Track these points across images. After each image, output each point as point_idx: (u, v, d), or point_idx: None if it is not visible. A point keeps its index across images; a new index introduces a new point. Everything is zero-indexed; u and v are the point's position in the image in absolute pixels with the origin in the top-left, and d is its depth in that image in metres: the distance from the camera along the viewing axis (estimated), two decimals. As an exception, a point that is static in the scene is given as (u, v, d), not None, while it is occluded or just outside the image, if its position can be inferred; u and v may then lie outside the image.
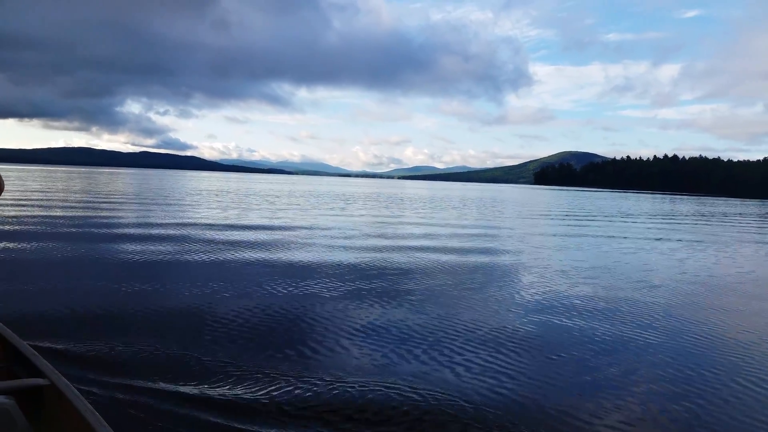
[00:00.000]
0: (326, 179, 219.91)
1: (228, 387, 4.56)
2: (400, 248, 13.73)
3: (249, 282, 8.74)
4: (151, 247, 11.95)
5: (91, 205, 24.00)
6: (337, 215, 24.45)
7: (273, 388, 4.57)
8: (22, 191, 31.32)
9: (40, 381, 3.14)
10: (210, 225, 17.41)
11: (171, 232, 15.05)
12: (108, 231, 14.70)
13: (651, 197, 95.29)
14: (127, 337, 5.65)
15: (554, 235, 19.31)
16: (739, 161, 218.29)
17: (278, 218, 21.26)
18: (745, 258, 15.28)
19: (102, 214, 19.44)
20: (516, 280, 10.07)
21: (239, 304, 7.21)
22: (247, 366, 5.05)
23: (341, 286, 8.75)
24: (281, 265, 10.46)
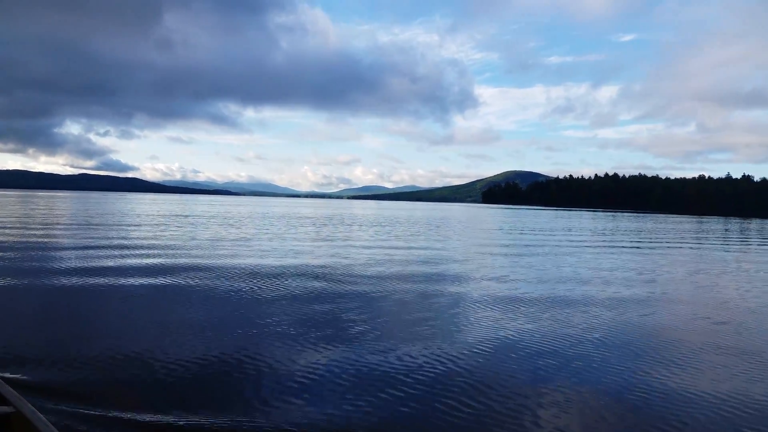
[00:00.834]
0: (274, 200, 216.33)
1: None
2: (344, 276, 13.24)
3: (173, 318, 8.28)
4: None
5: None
6: (278, 238, 23.19)
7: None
8: None
9: (6, 409, 3.34)
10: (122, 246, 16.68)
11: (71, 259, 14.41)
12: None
13: (593, 215, 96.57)
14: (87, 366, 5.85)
15: (505, 256, 17.59)
16: (675, 179, 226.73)
17: (194, 241, 19.70)
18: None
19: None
20: (466, 315, 9.48)
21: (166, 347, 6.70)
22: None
23: (278, 322, 8.22)
24: (199, 300, 9.79)
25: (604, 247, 25.01)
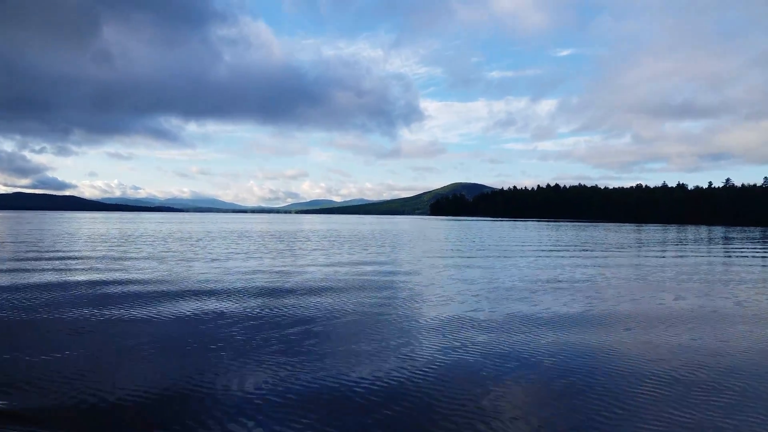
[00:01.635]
0: (218, 216, 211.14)
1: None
2: (291, 294, 12.79)
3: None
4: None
5: None
6: (220, 257, 21.45)
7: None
8: None
9: None
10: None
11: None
12: None
13: (537, 224, 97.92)
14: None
15: (453, 267, 16.45)
16: (614, 188, 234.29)
17: (120, 263, 17.94)
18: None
19: None
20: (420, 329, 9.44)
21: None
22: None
23: (225, 344, 7.99)
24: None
25: (561, 257, 24.36)
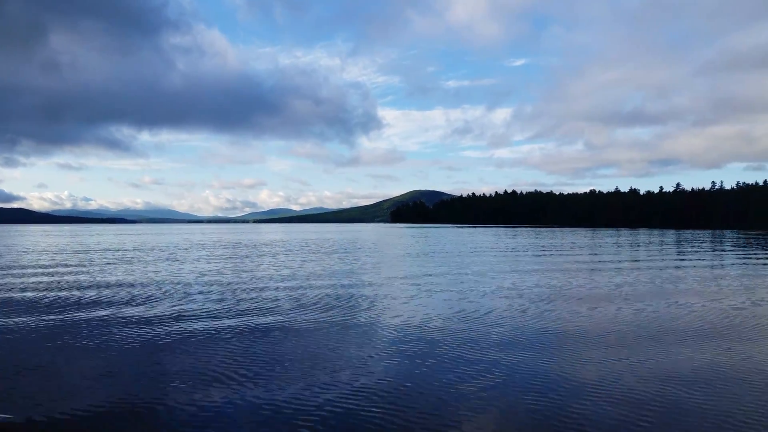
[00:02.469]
0: (172, 226, 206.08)
1: None
2: (251, 309, 12.46)
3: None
4: None
5: None
6: (174, 273, 20.53)
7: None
8: None
9: None
10: None
11: None
12: None
13: (494, 230, 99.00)
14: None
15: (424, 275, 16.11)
16: (568, 194, 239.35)
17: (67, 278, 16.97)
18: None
19: None
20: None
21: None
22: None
23: (185, 362, 7.78)
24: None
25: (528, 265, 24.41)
